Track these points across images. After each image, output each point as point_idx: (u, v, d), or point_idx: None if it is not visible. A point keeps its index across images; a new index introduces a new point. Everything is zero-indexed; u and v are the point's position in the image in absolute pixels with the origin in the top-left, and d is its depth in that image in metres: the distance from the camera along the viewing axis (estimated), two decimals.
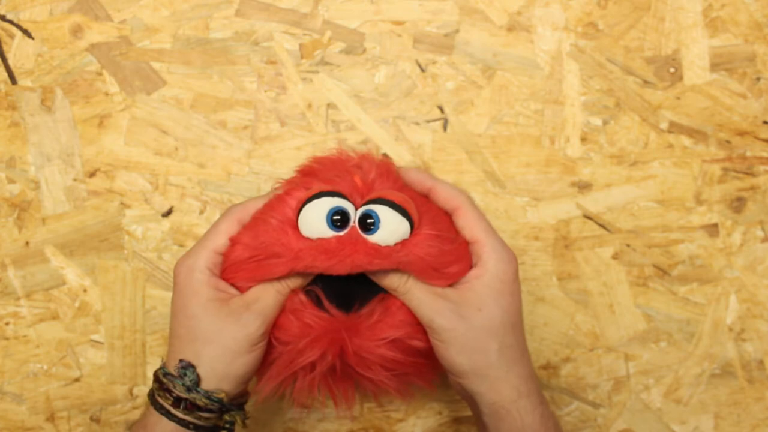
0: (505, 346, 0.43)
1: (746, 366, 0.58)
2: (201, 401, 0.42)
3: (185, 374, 0.43)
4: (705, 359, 0.58)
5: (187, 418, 0.42)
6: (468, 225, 0.46)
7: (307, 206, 0.43)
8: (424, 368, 0.47)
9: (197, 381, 0.43)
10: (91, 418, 0.57)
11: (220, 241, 0.45)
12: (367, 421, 0.57)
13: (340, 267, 0.42)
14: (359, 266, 0.42)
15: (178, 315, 0.45)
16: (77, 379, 0.56)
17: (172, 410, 0.43)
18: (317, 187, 0.44)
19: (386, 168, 0.47)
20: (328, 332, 0.44)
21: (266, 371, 0.46)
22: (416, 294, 0.44)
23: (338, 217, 0.42)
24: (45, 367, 0.56)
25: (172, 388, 0.43)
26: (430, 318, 0.43)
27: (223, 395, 0.43)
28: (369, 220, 0.42)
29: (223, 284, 0.45)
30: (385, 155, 0.57)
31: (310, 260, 0.42)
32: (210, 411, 0.43)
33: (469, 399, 0.45)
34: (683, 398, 0.58)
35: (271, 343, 0.45)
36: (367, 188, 0.45)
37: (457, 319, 0.43)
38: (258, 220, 0.45)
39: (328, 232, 0.42)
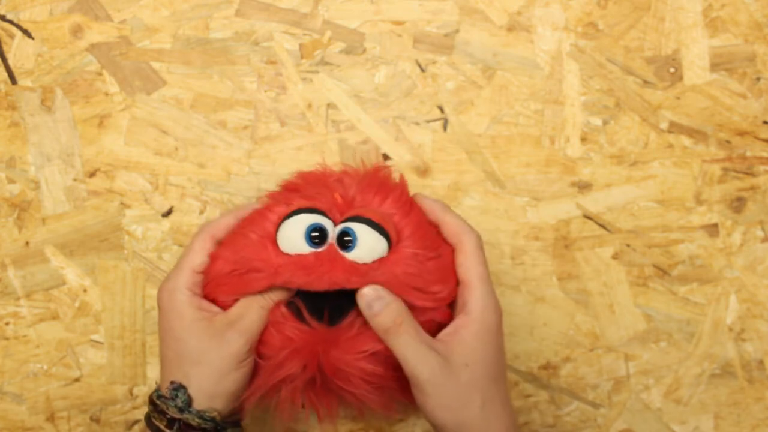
0: (487, 401, 0.43)
1: (746, 366, 0.58)
2: (194, 421, 0.43)
3: (177, 395, 0.43)
4: (705, 359, 0.58)
5: None
6: (465, 265, 0.45)
7: (286, 222, 0.43)
8: (407, 382, 0.46)
9: (189, 401, 0.43)
10: (91, 418, 0.57)
11: (197, 260, 0.45)
12: (367, 421, 0.57)
13: (318, 283, 0.42)
14: (337, 283, 0.42)
15: (165, 338, 0.45)
16: (77, 379, 0.57)
17: None
18: (297, 203, 0.44)
19: (369, 181, 0.47)
20: (308, 345, 0.44)
21: (250, 384, 0.46)
22: (407, 341, 0.43)
23: (316, 234, 0.43)
24: (45, 367, 0.56)
25: (165, 410, 0.43)
26: (418, 369, 0.42)
27: (215, 414, 0.43)
28: (346, 238, 0.43)
29: (206, 303, 0.46)
30: (385, 155, 0.57)
31: (289, 276, 0.43)
32: (204, 430, 0.43)
33: None
34: (683, 398, 0.58)
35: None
36: (347, 205, 0.45)
37: (444, 376, 0.42)
38: (238, 234, 0.45)
39: (306, 249, 0.43)
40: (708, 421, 0.58)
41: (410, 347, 0.42)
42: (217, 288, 0.45)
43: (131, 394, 0.56)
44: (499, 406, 0.44)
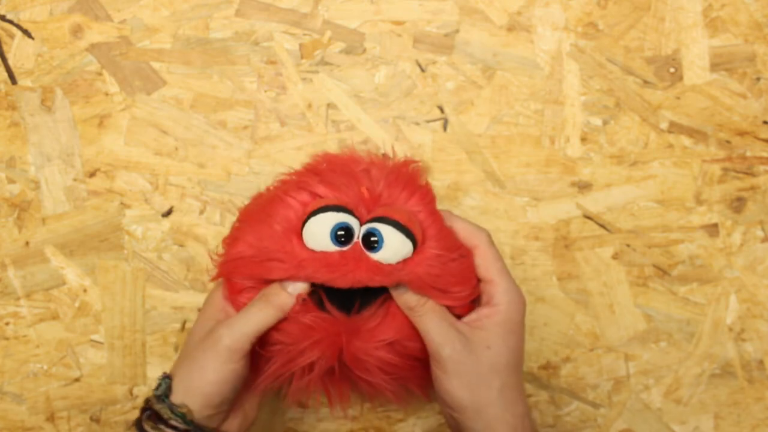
0: (506, 386, 0.44)
1: (746, 366, 0.58)
2: (165, 413, 0.42)
3: (161, 384, 0.43)
4: (705, 359, 0.58)
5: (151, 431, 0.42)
6: (484, 264, 0.46)
7: (312, 220, 0.43)
8: (422, 374, 0.46)
9: (167, 392, 0.43)
10: (91, 418, 0.57)
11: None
12: (367, 421, 0.57)
13: (342, 281, 0.43)
14: (360, 282, 0.43)
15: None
16: (77, 379, 0.57)
17: (143, 420, 0.43)
18: (324, 198, 0.44)
19: (396, 176, 0.47)
20: (329, 334, 0.44)
21: (264, 369, 0.46)
22: (431, 318, 0.44)
23: (342, 233, 0.42)
24: (45, 367, 0.56)
25: (150, 398, 0.43)
26: (440, 345, 0.43)
27: (185, 410, 0.42)
28: (372, 239, 0.43)
29: (232, 310, 0.46)
30: (385, 155, 0.56)
31: (312, 271, 0.43)
32: (174, 429, 0.42)
33: None
34: (683, 398, 0.58)
35: (267, 344, 0.45)
36: (374, 201, 0.45)
37: (466, 354, 0.43)
38: (262, 222, 0.45)
39: (332, 246, 0.43)
40: (708, 421, 0.58)
41: (434, 324, 0.43)
42: (234, 269, 0.45)
43: (131, 394, 0.56)
44: (516, 394, 0.44)
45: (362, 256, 0.43)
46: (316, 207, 0.43)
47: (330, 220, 0.42)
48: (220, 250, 0.48)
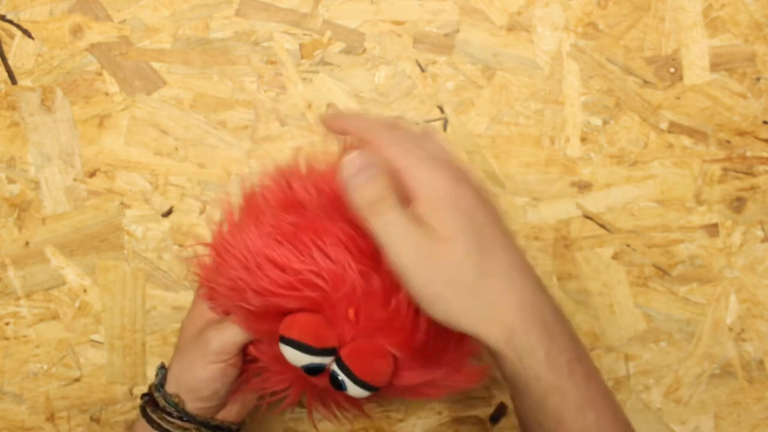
0: (487, 275, 0.35)
1: (746, 366, 0.58)
2: (160, 401, 0.44)
3: (158, 374, 0.46)
4: (705, 359, 0.58)
5: (153, 416, 0.44)
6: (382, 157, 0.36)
7: (285, 347, 0.40)
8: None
9: (163, 381, 0.45)
10: (91, 418, 0.57)
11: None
12: (367, 421, 0.57)
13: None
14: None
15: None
16: (77, 379, 0.57)
17: (146, 407, 0.45)
18: (298, 328, 0.40)
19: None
20: (295, 375, 0.44)
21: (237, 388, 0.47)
22: (387, 219, 0.35)
23: (312, 370, 0.41)
24: (45, 367, 0.56)
25: (150, 385, 0.46)
26: (396, 256, 0.35)
27: (177, 399, 0.44)
28: (338, 380, 0.40)
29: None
30: None
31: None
32: (170, 414, 0.44)
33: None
34: (683, 398, 0.58)
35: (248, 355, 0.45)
36: (359, 330, 0.40)
37: (426, 257, 0.34)
38: (237, 283, 0.41)
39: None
40: (708, 421, 0.58)
41: (391, 230, 0.35)
42: (216, 298, 0.45)
43: (131, 394, 0.56)
44: (503, 281, 0.35)
45: (330, 389, 0.41)
46: (289, 336, 0.40)
47: (301, 359, 0.40)
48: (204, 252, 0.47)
